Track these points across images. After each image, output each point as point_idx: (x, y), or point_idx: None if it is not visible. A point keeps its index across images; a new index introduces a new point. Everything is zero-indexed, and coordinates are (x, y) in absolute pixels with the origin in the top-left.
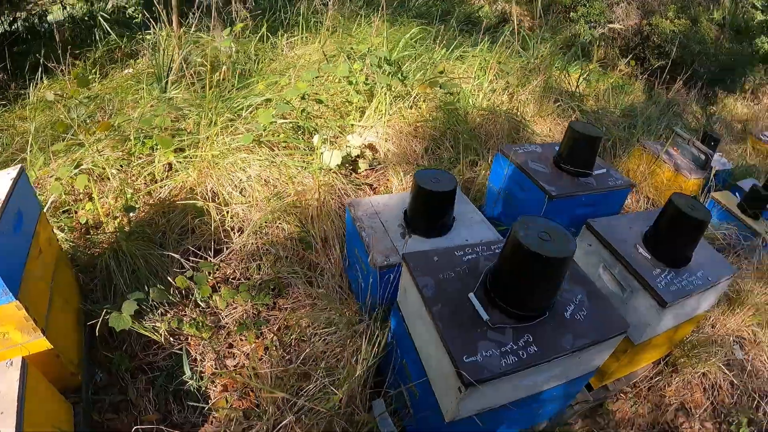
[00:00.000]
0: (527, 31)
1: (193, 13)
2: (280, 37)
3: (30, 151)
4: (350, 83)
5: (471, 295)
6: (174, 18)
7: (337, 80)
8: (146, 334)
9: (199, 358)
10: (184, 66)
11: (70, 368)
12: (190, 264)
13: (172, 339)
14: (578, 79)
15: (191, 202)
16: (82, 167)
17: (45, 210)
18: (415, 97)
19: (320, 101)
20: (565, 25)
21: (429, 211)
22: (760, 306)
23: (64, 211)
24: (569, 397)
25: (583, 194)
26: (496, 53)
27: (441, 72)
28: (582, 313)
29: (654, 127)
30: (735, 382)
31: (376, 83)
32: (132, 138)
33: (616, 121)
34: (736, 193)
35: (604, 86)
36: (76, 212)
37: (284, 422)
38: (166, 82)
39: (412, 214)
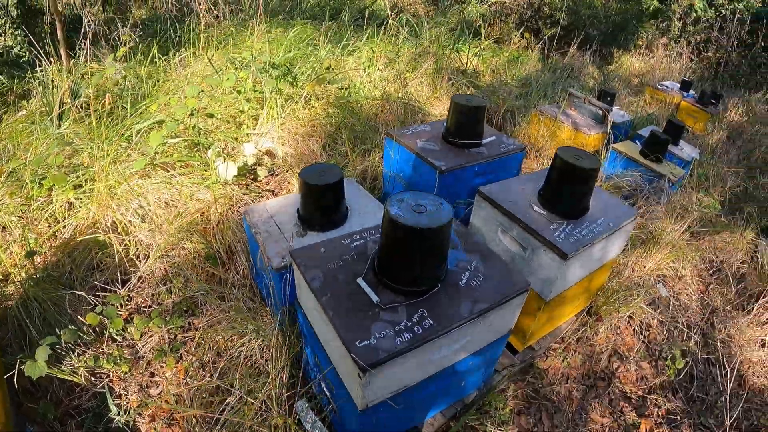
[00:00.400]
0: (420, 18)
1: (82, 44)
2: (171, 57)
3: None
4: (239, 92)
5: (360, 279)
6: (62, 51)
7: (228, 92)
8: (66, 377)
9: (123, 392)
10: (71, 101)
11: None
12: (99, 300)
13: (93, 378)
14: (468, 56)
15: (92, 237)
16: None
17: None
18: (306, 97)
19: (211, 115)
20: (456, 8)
21: (319, 205)
22: (675, 242)
23: None
24: (490, 364)
25: (475, 164)
26: (382, 43)
27: (327, 68)
28: (478, 278)
29: (550, 92)
30: (662, 319)
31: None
32: (28, 181)
33: (512, 91)
34: (638, 141)
35: (500, 60)
36: None
37: None
38: (60, 118)
39: (304, 212)
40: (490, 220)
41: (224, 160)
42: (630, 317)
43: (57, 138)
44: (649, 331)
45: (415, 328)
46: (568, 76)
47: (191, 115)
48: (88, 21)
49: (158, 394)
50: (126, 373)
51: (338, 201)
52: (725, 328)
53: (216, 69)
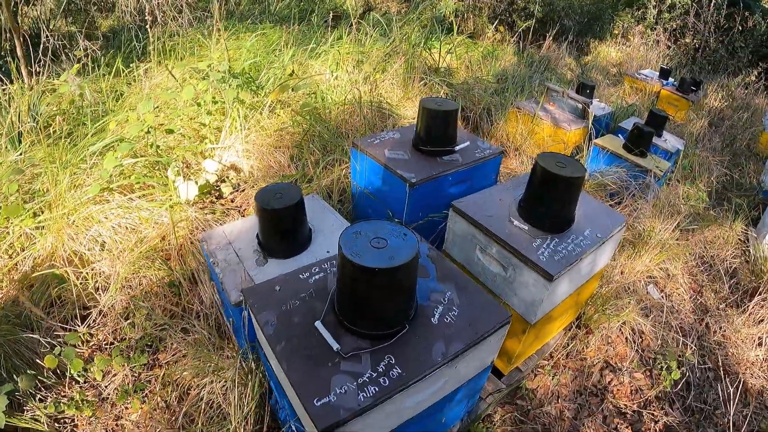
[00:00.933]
0: (390, 17)
1: (41, 61)
2: (135, 69)
3: None
4: (199, 105)
5: (318, 323)
6: (23, 69)
7: (189, 104)
8: (28, 426)
9: None
10: (30, 121)
11: None
12: (59, 339)
13: (57, 425)
14: (440, 53)
15: (48, 271)
16: None
17: None
18: (272, 106)
19: (171, 131)
20: (428, 3)
21: (278, 230)
22: (665, 242)
23: None
24: (473, 394)
25: (449, 173)
26: (350, 44)
27: (291, 74)
28: (452, 313)
29: (527, 87)
30: (655, 325)
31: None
32: None
33: (488, 88)
34: (620, 135)
35: (475, 56)
36: None
37: None
38: (18, 140)
39: (263, 238)
40: (467, 237)
41: (184, 179)
42: (621, 325)
43: (10, 164)
44: (642, 338)
45: (381, 380)
46: (545, 69)
47: (148, 132)
48: (47, 36)
49: None
50: (90, 417)
51: (299, 224)
52: (720, 329)
53: (177, 80)
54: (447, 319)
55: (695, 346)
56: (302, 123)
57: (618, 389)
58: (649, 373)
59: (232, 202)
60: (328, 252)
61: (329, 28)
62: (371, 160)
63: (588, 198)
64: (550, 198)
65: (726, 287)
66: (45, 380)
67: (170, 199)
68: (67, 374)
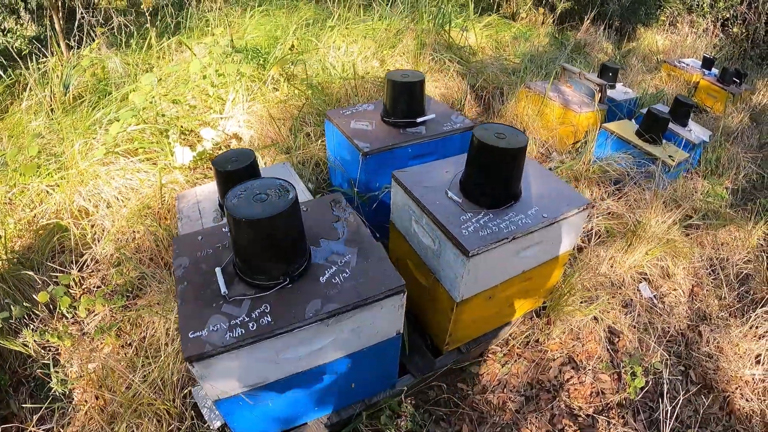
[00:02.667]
0: None
1: (78, 36)
2: (165, 43)
3: None
4: (204, 78)
5: (217, 269)
6: (61, 43)
7: (200, 77)
8: (18, 349)
9: (67, 365)
10: (62, 91)
11: None
12: (54, 281)
13: (42, 351)
14: (462, 32)
15: (55, 221)
16: None
17: None
18: (274, 79)
19: (177, 101)
20: None
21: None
22: (664, 237)
23: None
24: (387, 366)
25: (407, 145)
26: (353, 20)
27: (291, 48)
28: (343, 275)
29: (550, 68)
30: (637, 325)
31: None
32: (10, 171)
33: (506, 67)
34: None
35: (505, 37)
36: None
37: None
38: (52, 110)
39: (220, 197)
40: (404, 208)
41: (181, 145)
42: (596, 320)
43: (34, 129)
44: (619, 338)
45: (250, 325)
46: (575, 52)
47: (151, 102)
48: (82, 13)
49: (94, 368)
50: (69, 346)
51: None
52: (714, 339)
53: (194, 54)
54: (335, 279)
55: (680, 354)
56: (302, 96)
57: (576, 389)
58: (617, 377)
59: None
60: None
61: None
62: (337, 129)
63: (550, 177)
64: (486, 171)
65: (733, 294)
66: (39, 313)
67: (170, 163)
68: (56, 310)
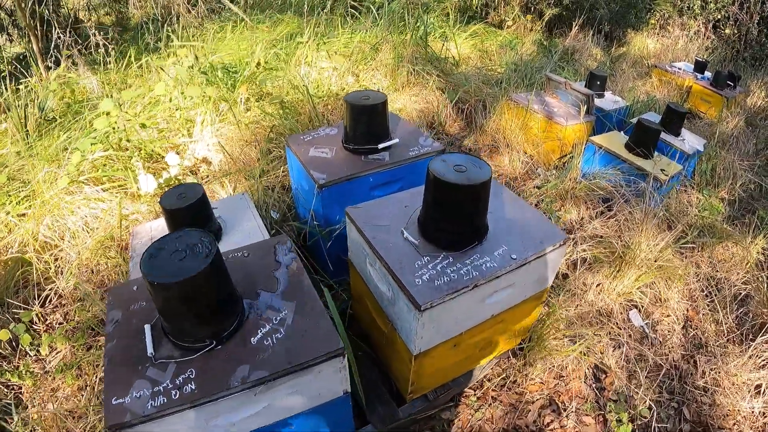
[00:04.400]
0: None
1: (52, 56)
2: (146, 60)
3: None
4: (170, 100)
5: (146, 326)
6: (40, 64)
7: (168, 99)
8: None
9: (29, 405)
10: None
11: None
12: (16, 317)
13: (5, 390)
14: (443, 43)
15: (16, 256)
16: None
17: None
18: (246, 99)
19: (144, 125)
20: None
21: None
22: (656, 260)
23: None
24: (335, 426)
25: (369, 174)
26: (323, 35)
27: (258, 65)
28: (277, 335)
29: (535, 77)
30: (626, 359)
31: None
32: None
33: (490, 78)
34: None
35: (493, 46)
36: None
37: None
38: (26, 134)
39: None
40: (359, 248)
41: (146, 172)
42: (581, 356)
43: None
44: (606, 374)
45: (173, 393)
46: (563, 59)
47: (114, 129)
48: (57, 34)
49: (54, 409)
50: (31, 386)
51: (201, 225)
52: (710, 370)
53: (161, 76)
54: (267, 341)
55: (672, 390)
56: (274, 116)
57: None
58: (602, 419)
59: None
60: None
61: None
62: (295, 158)
63: (523, 208)
64: (444, 210)
65: (731, 318)
66: (1, 351)
67: (136, 192)
68: (19, 348)
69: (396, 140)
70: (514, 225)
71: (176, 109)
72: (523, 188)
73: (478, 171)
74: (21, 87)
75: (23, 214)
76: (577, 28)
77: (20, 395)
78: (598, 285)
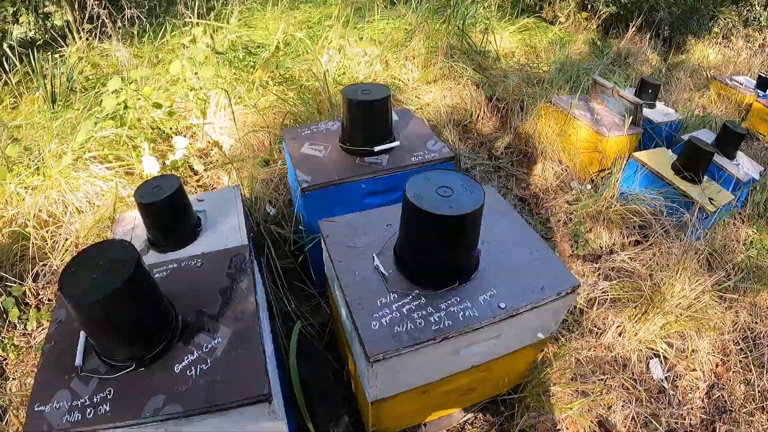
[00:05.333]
0: None
1: (83, 28)
2: (170, 36)
3: None
4: (184, 80)
5: (82, 333)
6: (75, 35)
7: (183, 79)
8: None
9: (10, 377)
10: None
11: None
12: (8, 289)
13: None
14: (462, 31)
15: (17, 229)
16: None
17: None
18: (263, 83)
19: (158, 105)
20: None
21: (152, 225)
22: (688, 307)
23: None
24: None
25: (360, 180)
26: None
27: (277, 48)
28: (202, 366)
29: (578, 79)
30: (636, 418)
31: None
32: None
33: (531, 77)
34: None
35: (542, 42)
36: None
37: None
38: (53, 102)
39: (147, 230)
40: (328, 266)
41: (151, 153)
42: (585, 412)
43: (13, 128)
44: None
45: (88, 411)
46: (615, 63)
47: (125, 108)
48: (92, 5)
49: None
50: (14, 360)
51: (179, 220)
52: None
53: (179, 55)
54: (191, 371)
55: None
56: (291, 103)
57: None
58: None
59: (208, 179)
60: (202, 252)
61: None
62: (287, 153)
63: (531, 238)
64: (420, 240)
65: (766, 380)
66: None
67: (139, 173)
68: (6, 320)
69: (397, 143)
70: (513, 262)
71: (190, 90)
72: (553, 203)
73: (467, 197)
74: (57, 57)
75: (34, 187)
76: (634, 29)
77: (3, 367)
78: (618, 326)
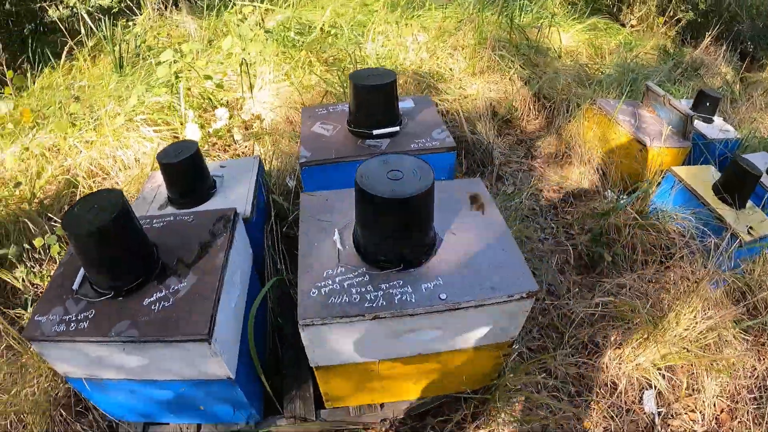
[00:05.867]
0: None
1: None
2: (227, 12)
3: None
4: (235, 55)
5: None
6: (148, 3)
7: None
8: (8, 281)
9: None
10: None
11: None
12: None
13: (30, 287)
14: (510, 24)
15: (70, 177)
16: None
17: None
18: (307, 62)
19: (208, 77)
20: None
21: (170, 183)
22: (693, 337)
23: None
24: (229, 403)
25: (354, 160)
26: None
27: (322, 30)
28: (164, 303)
29: (637, 85)
30: None
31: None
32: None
33: (585, 78)
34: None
35: (610, 44)
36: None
37: None
38: (121, 66)
39: (167, 188)
40: None
41: (194, 121)
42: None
43: (76, 89)
44: None
45: (72, 324)
46: (685, 73)
47: (177, 77)
48: None
49: None
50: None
51: (190, 181)
52: None
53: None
54: (155, 306)
55: None
56: (329, 84)
57: None
58: None
59: (242, 148)
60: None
61: None
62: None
63: (503, 237)
64: (364, 221)
65: None
66: (36, 256)
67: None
68: (48, 255)
69: (396, 128)
70: (473, 257)
71: (240, 65)
72: (581, 209)
73: (414, 182)
74: (130, 24)
75: (90, 142)
76: (710, 39)
77: (39, 295)
78: (617, 348)
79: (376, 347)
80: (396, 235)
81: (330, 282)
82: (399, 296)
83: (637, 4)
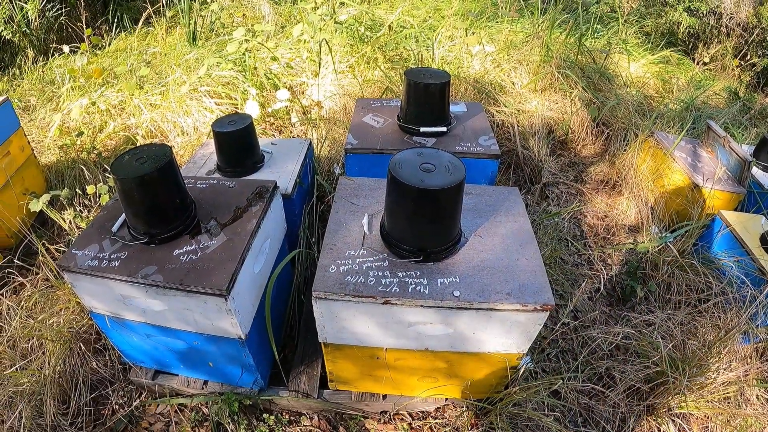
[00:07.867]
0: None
1: None
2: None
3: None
4: (304, 42)
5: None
6: None
7: (303, 42)
8: (56, 220)
9: None
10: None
11: (6, 233)
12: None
13: (76, 229)
14: (578, 46)
15: (127, 134)
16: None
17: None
18: (373, 58)
19: (275, 59)
20: (656, 10)
21: (221, 151)
22: (711, 389)
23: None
24: (236, 364)
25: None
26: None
27: (390, 28)
28: (192, 257)
29: (698, 123)
30: None
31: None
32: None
33: (647, 109)
34: None
35: (682, 79)
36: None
37: None
38: (194, 38)
39: (217, 155)
40: None
41: (254, 99)
42: None
43: (148, 56)
44: None
45: (104, 262)
46: (755, 118)
47: (244, 54)
48: None
49: None
50: None
51: (246, 151)
52: None
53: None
54: (183, 257)
55: None
56: (392, 82)
57: None
58: None
59: (299, 129)
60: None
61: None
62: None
63: (528, 244)
64: (392, 207)
65: None
66: (86, 202)
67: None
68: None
69: (443, 129)
70: (496, 262)
71: (308, 52)
72: (623, 241)
73: (443, 177)
74: (208, 0)
75: (154, 104)
76: None
77: None
78: (633, 385)
79: (384, 334)
80: (419, 225)
81: (350, 262)
82: (413, 286)
83: (714, 43)
